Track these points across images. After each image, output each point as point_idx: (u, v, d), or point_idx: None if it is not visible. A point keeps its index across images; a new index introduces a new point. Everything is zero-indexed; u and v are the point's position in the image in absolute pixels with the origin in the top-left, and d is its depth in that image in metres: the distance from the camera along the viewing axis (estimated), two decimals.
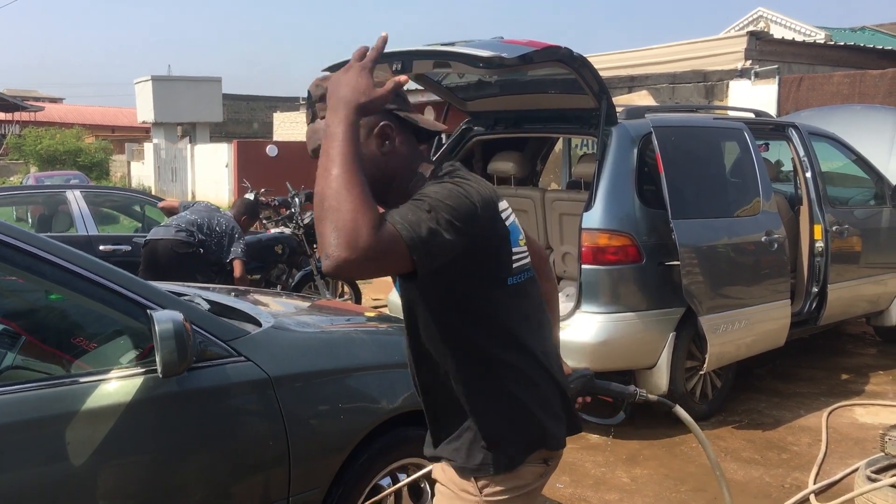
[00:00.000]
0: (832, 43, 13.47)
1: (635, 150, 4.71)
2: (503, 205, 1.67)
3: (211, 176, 24.29)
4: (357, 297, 7.63)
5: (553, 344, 1.80)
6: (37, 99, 57.16)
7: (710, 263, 4.78)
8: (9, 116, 46.80)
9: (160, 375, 1.93)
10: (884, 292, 6.37)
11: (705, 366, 4.70)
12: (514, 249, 1.66)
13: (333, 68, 4.85)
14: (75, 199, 7.35)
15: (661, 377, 4.67)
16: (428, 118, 1.74)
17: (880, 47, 12.91)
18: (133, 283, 2.12)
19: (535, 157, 6.17)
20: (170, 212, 6.77)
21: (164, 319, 1.91)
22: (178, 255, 5.80)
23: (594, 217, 4.54)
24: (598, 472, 4.23)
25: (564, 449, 1.81)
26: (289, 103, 32.15)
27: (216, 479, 2.13)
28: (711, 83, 10.81)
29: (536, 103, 5.19)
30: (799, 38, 15.27)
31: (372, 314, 3.81)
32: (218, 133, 31.06)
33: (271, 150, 16.58)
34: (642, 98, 6.70)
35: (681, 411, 2.14)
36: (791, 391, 5.57)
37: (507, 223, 1.65)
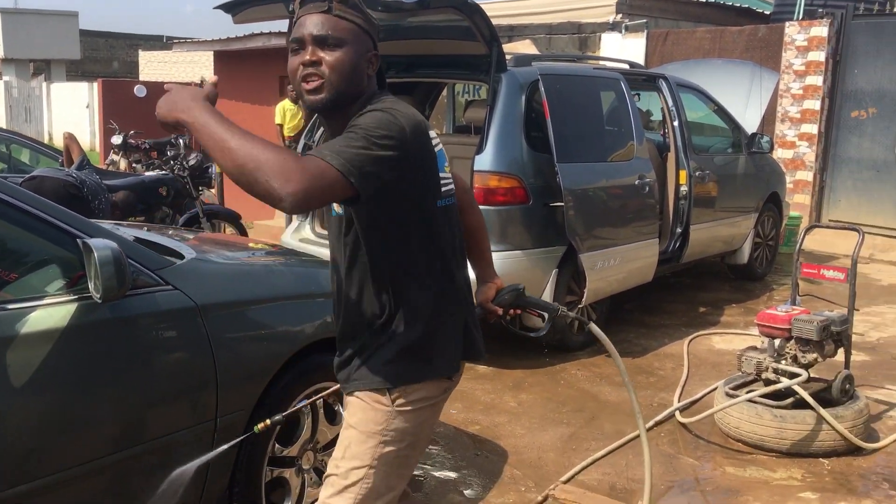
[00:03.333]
0: (696, 0, 14.18)
1: (523, 97, 4.94)
2: (432, 133, 1.86)
3: (70, 116, 22.96)
4: None
5: (466, 273, 1.99)
6: None
7: (590, 205, 5.12)
8: None
9: (100, 300, 2.00)
10: (737, 233, 6.98)
11: (584, 300, 5.07)
12: (441, 175, 1.87)
13: (226, 7, 4.79)
14: None
15: None
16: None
17: (738, 5, 13.71)
18: (61, 213, 2.15)
19: (424, 102, 6.32)
20: (69, 152, 6.49)
21: (102, 247, 1.96)
22: (68, 195, 5.54)
23: (485, 160, 4.76)
24: (487, 399, 4.54)
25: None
26: (153, 41, 30.61)
27: (149, 402, 2.22)
28: (585, 35, 11.22)
29: (427, 48, 5.32)
30: None
31: (266, 247, 3.90)
32: (75, 71, 29.26)
33: (140, 91, 15.81)
34: (526, 47, 6.95)
35: (594, 328, 2.40)
36: (656, 323, 6.08)
37: (436, 149, 1.86)
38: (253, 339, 2.52)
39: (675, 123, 6.18)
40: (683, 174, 6.14)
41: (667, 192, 6.20)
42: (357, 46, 1.80)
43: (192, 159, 6.99)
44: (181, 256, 2.54)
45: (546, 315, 2.30)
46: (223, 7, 4.76)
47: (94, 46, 32.40)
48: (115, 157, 12.84)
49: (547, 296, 5.00)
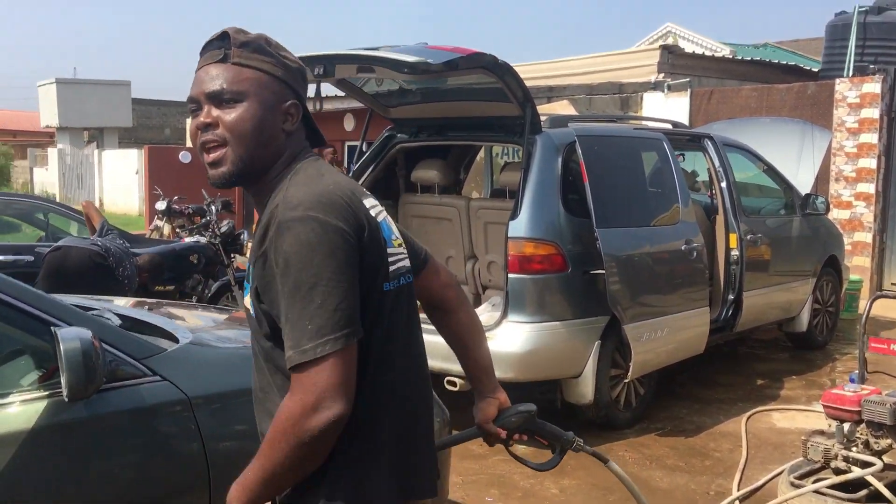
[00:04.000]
0: (738, 58, 13.95)
1: (559, 159, 4.70)
2: (370, 201, 1.51)
3: (120, 183, 23.44)
4: None
5: (422, 370, 1.60)
6: None
7: (633, 272, 4.81)
8: None
9: (65, 399, 1.76)
10: (794, 299, 6.56)
11: (630, 374, 4.72)
12: (389, 250, 1.50)
13: None
14: None
15: (587, 386, 4.67)
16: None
17: (784, 62, 13.43)
18: (34, 298, 1.94)
19: (458, 166, 6.11)
20: (89, 220, 6.42)
21: (69, 337, 1.73)
22: (94, 264, 5.43)
23: (520, 226, 4.51)
24: (526, 484, 4.18)
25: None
26: None
27: None
28: (626, 95, 11.01)
29: (460, 111, 5.15)
30: (706, 52, 15.78)
31: None
32: (127, 139, 30.03)
33: (184, 157, 16.08)
34: (563, 108, 6.75)
35: (615, 467, 2.06)
36: (710, 397, 5.66)
37: (378, 220, 1.49)
38: (250, 433, 2.25)
39: (723, 184, 5.87)
40: (734, 237, 5.80)
41: (716, 257, 5.85)
42: (262, 97, 1.46)
43: (224, 226, 6.88)
44: (177, 340, 2.31)
45: (558, 446, 1.92)
46: None
47: (146, 114, 33.33)
48: (160, 223, 12.94)
49: (590, 370, 4.66)
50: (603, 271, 4.51)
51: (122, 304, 2.85)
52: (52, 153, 29.71)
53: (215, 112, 1.46)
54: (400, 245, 1.55)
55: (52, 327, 1.85)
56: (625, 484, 2.08)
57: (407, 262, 1.56)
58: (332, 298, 1.33)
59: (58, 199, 26.29)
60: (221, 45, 1.48)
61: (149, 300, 3.35)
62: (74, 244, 5.62)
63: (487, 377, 1.80)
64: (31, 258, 6.48)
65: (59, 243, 5.74)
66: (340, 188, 1.44)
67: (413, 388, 1.54)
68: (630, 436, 4.88)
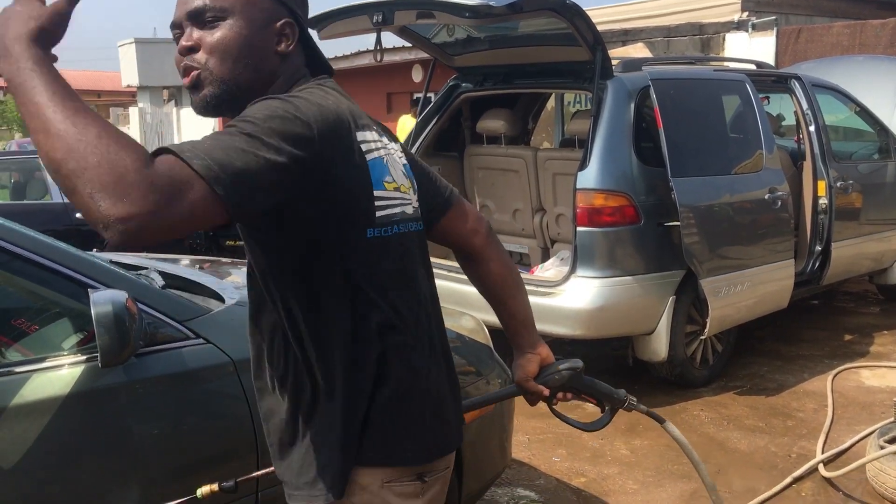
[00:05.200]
0: None
1: (632, 105, 4.44)
2: (368, 135, 1.32)
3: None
4: None
5: (436, 331, 1.43)
6: None
7: (711, 223, 4.55)
8: None
9: (99, 365, 1.70)
10: (887, 249, 6.16)
11: (706, 330, 4.50)
12: (377, 192, 1.30)
13: (311, 21, 4.55)
14: None
15: (661, 343, 4.47)
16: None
17: None
18: (73, 259, 1.87)
19: (526, 115, 5.89)
20: None
21: (102, 301, 1.66)
22: None
23: (589, 176, 4.29)
24: (595, 444, 4.04)
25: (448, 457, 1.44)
26: None
27: (178, 475, 1.91)
28: (707, 36, 10.48)
29: (527, 57, 4.91)
30: None
31: None
32: None
33: None
34: (638, 51, 6.41)
35: (672, 428, 1.89)
36: (793, 354, 5.38)
37: (368, 158, 1.30)
38: None
39: (812, 128, 5.48)
40: (822, 185, 5.44)
41: (803, 206, 5.51)
42: (249, 14, 1.30)
43: None
44: (223, 300, 2.23)
45: (607, 406, 1.75)
46: (309, 23, 4.52)
47: None
48: None
49: (663, 326, 4.46)
50: (678, 223, 4.27)
51: (174, 262, 2.80)
52: (133, 112, 30.47)
53: (196, 34, 1.31)
54: (396, 189, 1.35)
55: (87, 289, 1.79)
56: (682, 447, 1.93)
57: (408, 209, 1.38)
58: (248, 155, 1.09)
59: None
60: None
61: (207, 258, 3.30)
62: None
63: (527, 331, 1.64)
64: None
65: None
66: (339, 107, 1.26)
67: (418, 348, 1.36)
68: (706, 394, 4.67)
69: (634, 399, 1.77)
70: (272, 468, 1.46)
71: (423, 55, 6.82)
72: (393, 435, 1.33)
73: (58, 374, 1.77)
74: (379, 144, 1.35)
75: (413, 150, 5.26)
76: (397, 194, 1.36)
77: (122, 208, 0.96)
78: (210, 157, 1.05)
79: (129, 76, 29.65)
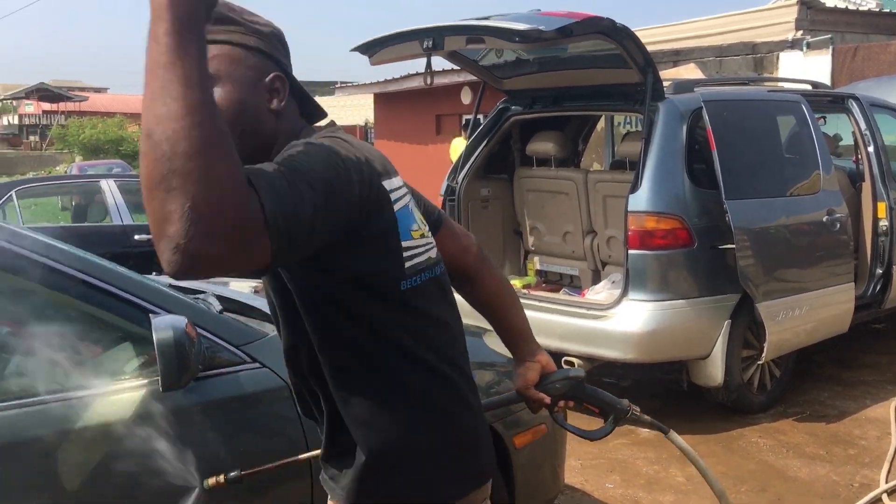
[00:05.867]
0: (886, 11, 12.83)
1: (684, 127, 4.40)
2: (395, 181, 1.29)
3: None
4: None
5: (467, 365, 1.42)
6: (81, 89, 58.19)
7: (767, 246, 4.46)
8: (54, 107, 47.63)
9: (161, 389, 1.73)
10: None
11: (763, 355, 4.40)
12: (405, 243, 1.28)
13: (362, 48, 4.62)
14: (109, 189, 7.27)
15: (716, 368, 4.38)
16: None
17: None
18: (134, 285, 1.92)
19: (576, 137, 5.88)
20: None
21: (163, 327, 1.70)
22: None
23: (641, 199, 4.26)
24: (650, 471, 3.98)
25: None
26: (324, 87, 32.07)
27: (235, 498, 1.93)
28: (761, 55, 10.34)
29: (577, 79, 4.91)
30: (849, 6, 14.62)
31: None
32: None
33: None
34: (689, 72, 6.35)
35: (675, 438, 1.82)
36: (855, 379, 5.23)
37: (396, 208, 1.27)
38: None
39: (870, 149, 5.37)
40: (882, 206, 5.30)
41: (862, 228, 5.38)
42: (236, 76, 1.23)
43: None
44: None
45: (610, 415, 1.72)
46: (360, 49, 4.60)
47: None
48: None
49: (719, 350, 4.37)
50: (733, 246, 4.20)
51: (228, 286, 2.85)
52: None
53: None
54: (422, 236, 1.33)
55: (149, 314, 1.83)
56: (689, 458, 1.86)
57: (433, 253, 1.36)
58: (294, 188, 1.04)
59: None
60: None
61: (257, 281, 3.35)
62: None
63: (524, 341, 1.65)
64: None
65: None
66: (368, 156, 1.23)
67: (456, 387, 1.37)
68: (764, 421, 4.56)
69: (638, 409, 1.74)
70: (275, 463, 1.45)
71: (472, 77, 6.86)
72: (432, 471, 1.34)
73: (120, 398, 1.81)
74: (404, 190, 1.33)
75: (463, 173, 5.29)
76: (422, 241, 1.34)
77: (206, 246, 0.91)
78: (278, 199, 1.01)
79: None
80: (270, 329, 2.23)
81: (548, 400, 1.64)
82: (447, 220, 1.59)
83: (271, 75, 1.28)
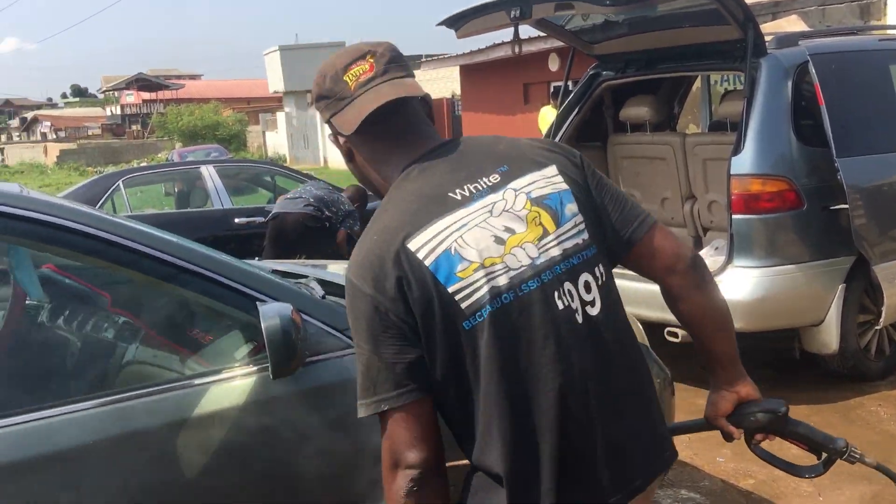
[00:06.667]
0: None
1: (790, 83, 4.18)
2: (430, 231, 1.31)
3: None
4: None
5: (572, 385, 1.33)
6: (178, 77, 60.26)
7: (883, 205, 4.23)
8: (153, 96, 49.52)
9: (271, 377, 1.76)
10: None
11: (882, 320, 4.18)
12: (451, 287, 1.29)
13: (449, 22, 4.57)
14: (209, 175, 7.50)
15: (831, 334, 4.19)
16: (353, 109, 1.40)
17: None
18: (240, 273, 1.96)
19: (671, 100, 5.68)
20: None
21: (270, 315, 1.72)
22: (308, 228, 5.78)
23: (744, 161, 4.08)
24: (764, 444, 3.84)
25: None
26: (412, 61, 32.16)
27: (340, 481, 1.95)
28: (867, 1, 9.72)
29: (670, 40, 4.73)
30: None
31: None
32: None
33: None
34: (792, 24, 6.01)
35: (883, 467, 1.63)
36: None
37: (428, 262, 1.30)
38: None
39: None
40: None
41: None
42: (341, 151, 1.52)
43: None
44: None
45: (824, 453, 1.56)
46: (445, 23, 4.56)
47: None
48: None
49: (833, 316, 4.17)
50: (846, 206, 3.99)
51: (332, 268, 2.88)
52: (280, 117, 31.90)
53: None
54: (476, 269, 1.31)
55: (256, 302, 1.86)
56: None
57: (498, 283, 1.31)
58: (362, 364, 1.34)
59: (287, 160, 28.27)
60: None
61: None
62: (288, 209, 5.94)
63: (723, 369, 1.53)
64: (263, 219, 6.95)
65: (275, 209, 6.11)
66: (382, 238, 1.34)
67: (561, 409, 1.31)
68: (884, 388, 4.35)
69: (859, 451, 1.56)
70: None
71: (559, 44, 6.72)
72: None
73: (232, 384, 1.85)
74: (436, 241, 1.31)
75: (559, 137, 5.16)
76: (475, 276, 1.31)
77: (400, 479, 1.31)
78: (360, 401, 1.36)
79: (275, 82, 31.04)
80: None
81: (737, 433, 1.54)
82: (645, 238, 1.47)
83: (341, 140, 1.47)
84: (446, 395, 1.33)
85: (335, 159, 25.46)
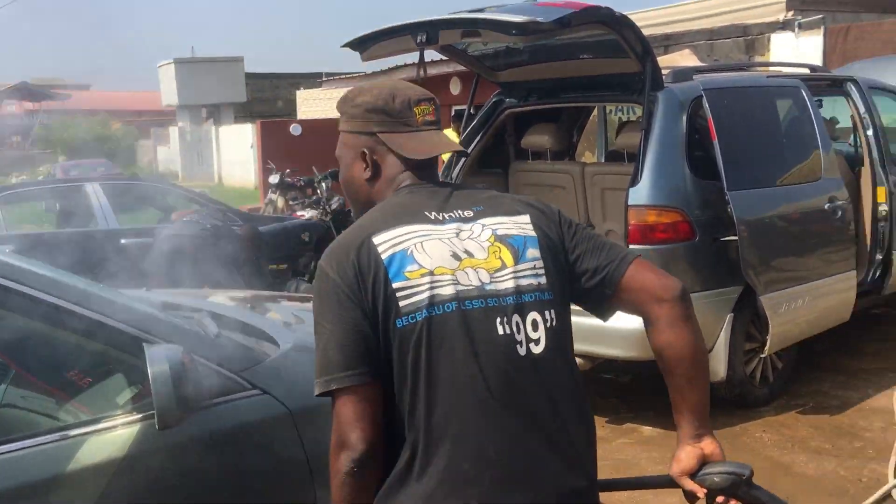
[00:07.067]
0: None
1: (684, 117, 4.31)
2: (387, 235, 1.42)
3: (237, 157, 24.13)
4: None
5: (487, 403, 1.37)
6: (64, 87, 57.56)
7: (769, 237, 4.39)
8: (36, 106, 47.06)
9: (157, 427, 1.63)
10: None
11: (766, 348, 4.33)
12: (396, 284, 1.38)
13: (354, 44, 4.50)
14: (94, 193, 7.11)
15: (719, 362, 4.30)
16: (422, 141, 1.53)
17: None
18: (124, 311, 1.81)
19: (571, 128, 5.77)
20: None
21: (157, 359, 1.60)
22: (205, 248, 5.55)
23: (641, 192, 4.16)
24: (654, 470, 3.90)
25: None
26: (311, 79, 31.87)
27: None
28: (752, 37, 10.25)
29: (572, 70, 4.80)
30: None
31: None
32: (243, 113, 30.82)
33: (295, 130, 16.26)
34: (685, 58, 6.24)
35: None
36: (856, 367, 5.18)
37: (384, 256, 1.40)
38: None
39: (869, 132, 5.28)
40: (882, 191, 5.23)
41: (862, 213, 5.30)
42: (343, 157, 1.58)
43: (334, 203, 6.83)
44: (277, 344, 2.16)
45: None
46: (351, 45, 4.48)
47: (259, 88, 34.02)
48: (274, 196, 13.16)
49: (721, 344, 4.29)
50: (735, 238, 4.12)
51: (224, 300, 2.74)
52: (173, 131, 30.91)
53: None
54: (424, 275, 1.39)
55: (143, 343, 1.72)
56: None
57: (446, 291, 1.39)
58: (321, 343, 1.38)
59: (180, 176, 27.41)
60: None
61: (247, 292, 3.25)
62: (185, 232, 5.71)
63: (692, 419, 1.49)
64: (152, 240, 6.64)
65: (170, 231, 5.85)
66: (354, 232, 1.45)
67: (470, 423, 1.36)
68: (768, 414, 4.50)
69: None
70: None
71: (461, 68, 6.74)
72: None
73: (113, 435, 1.71)
74: (399, 240, 1.41)
75: (457, 169, 5.17)
76: (419, 281, 1.38)
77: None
78: (318, 377, 1.40)
79: (169, 96, 30.12)
80: (269, 349, 2.14)
81: (701, 493, 1.49)
82: (629, 271, 1.51)
83: (362, 148, 1.53)
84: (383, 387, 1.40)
85: (230, 176, 24.85)
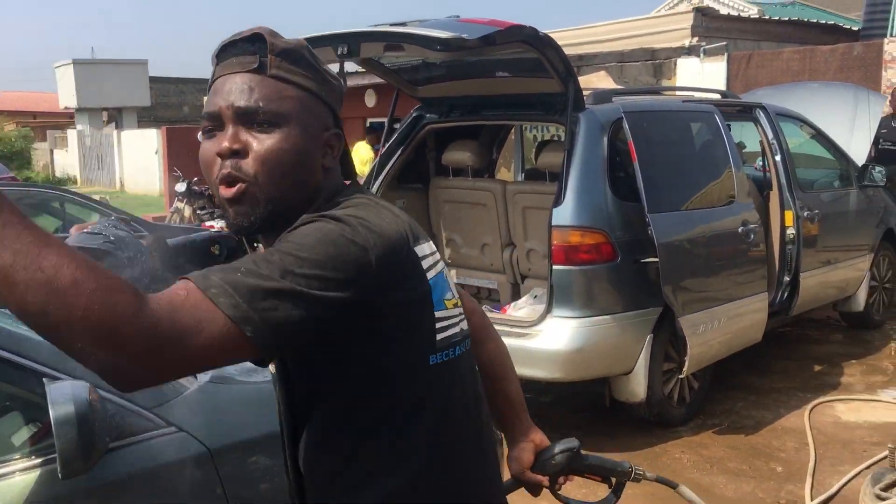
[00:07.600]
0: (774, 18, 13.36)
1: (605, 138, 4.32)
2: (426, 248, 1.18)
3: (141, 163, 23.26)
4: None
5: (482, 457, 1.27)
6: None
7: (688, 259, 4.45)
8: None
9: (59, 475, 1.45)
10: (851, 277, 6.16)
11: (685, 369, 4.37)
12: (438, 314, 1.15)
13: None
14: None
15: (639, 383, 4.33)
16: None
17: (823, 22, 12.85)
18: (25, 344, 1.62)
19: (491, 146, 5.75)
20: None
21: (61, 399, 1.41)
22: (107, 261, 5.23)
23: (565, 213, 4.14)
24: (577, 494, 3.86)
25: None
26: None
27: None
28: (659, 61, 10.53)
29: (494, 88, 4.77)
30: (741, 13, 15.16)
31: None
32: (146, 118, 29.80)
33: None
34: (601, 79, 6.33)
35: (686, 492, 1.75)
36: (766, 387, 5.30)
37: (430, 276, 1.15)
38: (281, 487, 1.94)
39: (777, 158, 5.45)
40: (790, 215, 5.40)
41: (771, 236, 5.46)
42: (305, 122, 1.15)
43: None
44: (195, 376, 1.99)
45: (614, 480, 1.61)
46: None
47: (164, 93, 32.99)
48: (180, 205, 12.69)
49: (641, 365, 4.32)
50: (655, 259, 4.15)
51: None
52: (71, 135, 29.58)
53: (244, 136, 1.12)
54: (455, 306, 1.20)
55: (43, 379, 1.54)
56: None
57: (465, 325, 1.23)
58: (281, 288, 0.97)
59: (78, 181, 26.23)
60: (254, 51, 1.14)
61: None
62: (87, 244, 5.36)
63: (518, 417, 1.50)
64: None
65: (70, 242, 5.49)
66: (396, 221, 1.13)
67: (469, 463, 1.23)
68: (685, 434, 4.54)
69: (641, 468, 1.62)
70: None
71: (377, 80, 6.64)
72: None
73: (9, 482, 1.51)
74: (436, 257, 1.19)
75: (377, 184, 5.06)
76: (455, 311, 1.20)
77: (121, 359, 0.87)
78: (237, 290, 0.94)
79: (67, 98, 28.85)
80: (186, 381, 1.96)
81: (546, 481, 1.48)
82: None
83: (331, 131, 1.20)
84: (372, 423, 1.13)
85: (133, 183, 23.93)
